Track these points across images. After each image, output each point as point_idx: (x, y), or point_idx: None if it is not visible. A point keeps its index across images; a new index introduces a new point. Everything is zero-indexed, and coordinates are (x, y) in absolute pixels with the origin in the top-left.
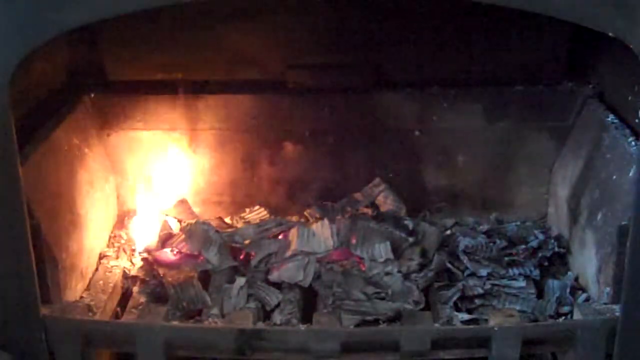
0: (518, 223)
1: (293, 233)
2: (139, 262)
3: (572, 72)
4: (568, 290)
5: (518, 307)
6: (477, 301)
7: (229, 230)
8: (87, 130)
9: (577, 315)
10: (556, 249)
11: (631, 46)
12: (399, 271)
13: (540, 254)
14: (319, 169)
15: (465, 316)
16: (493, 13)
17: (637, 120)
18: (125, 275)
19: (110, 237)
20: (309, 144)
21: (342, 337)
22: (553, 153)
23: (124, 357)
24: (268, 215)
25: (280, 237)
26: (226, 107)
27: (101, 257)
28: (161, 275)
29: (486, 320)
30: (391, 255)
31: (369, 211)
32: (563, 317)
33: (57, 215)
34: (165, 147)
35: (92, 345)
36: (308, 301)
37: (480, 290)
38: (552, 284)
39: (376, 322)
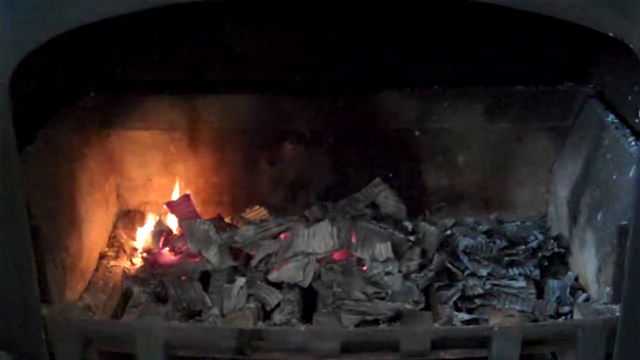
0: (518, 223)
1: (293, 233)
2: (139, 262)
3: (572, 72)
4: (568, 290)
5: (518, 307)
6: (477, 301)
7: (229, 230)
8: (87, 130)
9: (577, 315)
10: (556, 249)
11: (631, 46)
12: (399, 271)
13: (540, 254)
14: (319, 169)
15: (465, 316)
16: (493, 13)
17: (637, 120)
18: (125, 275)
19: (110, 237)
20: (309, 144)
21: (342, 337)
22: (553, 153)
23: (124, 357)
24: (268, 215)
25: (280, 237)
26: (226, 107)
27: (101, 257)
28: (161, 275)
29: (486, 320)
30: (392, 255)
31: (369, 211)
32: (563, 317)
33: (57, 215)
34: (165, 147)
35: (92, 345)
36: (308, 301)
37: (480, 290)
38: (552, 284)
39: (376, 322)
